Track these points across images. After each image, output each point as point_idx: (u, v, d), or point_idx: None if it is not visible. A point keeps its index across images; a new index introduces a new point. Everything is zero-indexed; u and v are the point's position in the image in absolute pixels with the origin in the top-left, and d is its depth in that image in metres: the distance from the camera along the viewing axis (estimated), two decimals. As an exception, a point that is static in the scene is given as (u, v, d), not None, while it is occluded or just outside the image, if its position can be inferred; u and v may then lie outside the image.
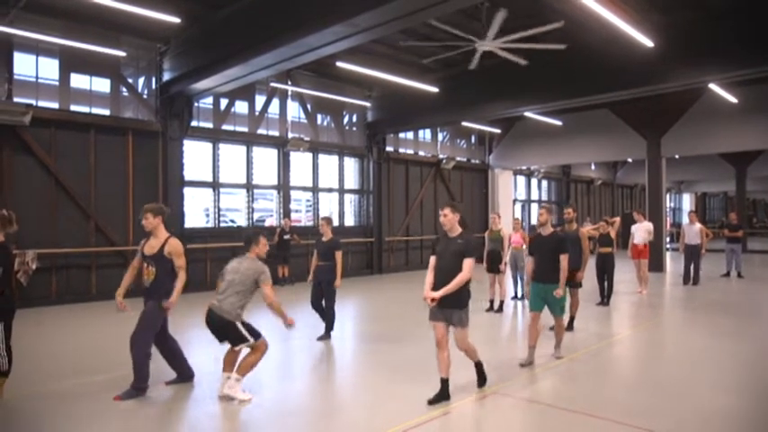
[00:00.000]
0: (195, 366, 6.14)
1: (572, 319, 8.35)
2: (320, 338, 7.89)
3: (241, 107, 14.22)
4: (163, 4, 9.01)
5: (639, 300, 11.47)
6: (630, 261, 12.67)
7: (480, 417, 4.83)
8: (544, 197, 25.85)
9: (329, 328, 7.98)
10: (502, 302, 10.08)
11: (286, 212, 15.01)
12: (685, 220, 35.04)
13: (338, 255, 7.94)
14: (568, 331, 8.16)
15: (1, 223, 5.12)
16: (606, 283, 10.72)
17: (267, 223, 15.63)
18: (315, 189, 16.01)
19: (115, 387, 5.49)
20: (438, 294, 4.84)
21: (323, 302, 7.94)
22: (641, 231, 12.29)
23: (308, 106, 15.70)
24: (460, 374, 6.07)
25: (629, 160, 26.19)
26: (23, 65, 10.78)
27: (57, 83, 11.19)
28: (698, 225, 13.58)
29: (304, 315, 8.39)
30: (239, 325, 5.17)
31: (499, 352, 7.54)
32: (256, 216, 15.02)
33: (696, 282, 13.33)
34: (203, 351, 7.74)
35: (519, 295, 11.18)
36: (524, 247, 11.38)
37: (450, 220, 5.05)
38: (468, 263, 4.87)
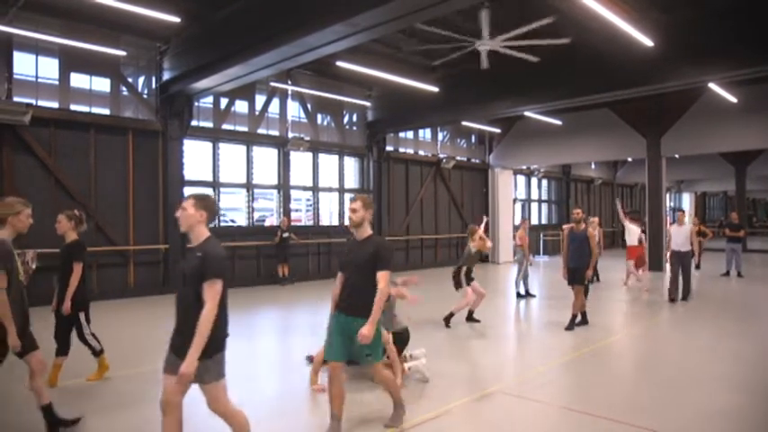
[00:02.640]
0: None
1: (574, 316, 8.43)
2: None
3: (241, 107, 14.21)
4: (163, 3, 8.99)
5: (639, 299, 11.47)
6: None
7: (481, 416, 4.83)
8: (544, 197, 25.84)
9: None
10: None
11: (286, 212, 15.01)
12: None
13: None
14: (568, 330, 8.19)
15: (75, 223, 5.58)
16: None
17: (267, 223, 15.63)
18: (315, 189, 16.00)
19: (114, 387, 5.50)
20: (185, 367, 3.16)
21: None
22: (633, 234, 12.98)
23: (309, 106, 15.69)
24: (461, 373, 6.07)
25: (629, 160, 26.19)
26: (23, 64, 10.76)
27: (56, 82, 11.18)
28: (687, 227, 11.11)
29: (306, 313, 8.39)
30: None
31: (499, 351, 7.55)
32: (256, 216, 15.02)
33: (686, 296, 10.98)
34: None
35: (522, 292, 11.55)
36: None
37: (187, 217, 3.42)
38: (211, 291, 3.24)
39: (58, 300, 5.50)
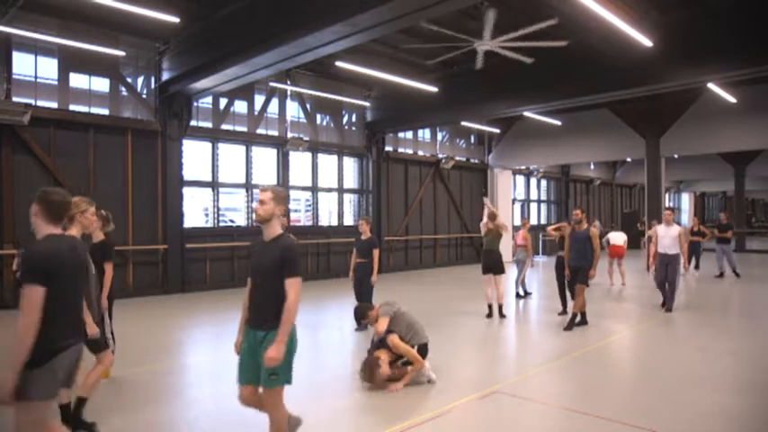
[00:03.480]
0: (194, 367, 6.14)
1: (575, 315, 8.48)
2: (359, 329, 8.20)
3: (240, 107, 14.21)
4: (162, 3, 9.00)
5: (636, 300, 11.48)
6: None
7: (480, 416, 4.83)
8: (543, 197, 25.86)
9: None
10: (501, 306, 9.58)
11: (285, 212, 14.98)
12: (685, 221, 35.24)
13: (375, 252, 8.35)
14: (567, 330, 8.19)
15: (102, 222, 5.58)
16: (570, 291, 9.33)
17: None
18: (314, 189, 16.00)
19: (113, 385, 5.49)
20: None
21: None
22: (618, 238, 13.95)
23: (308, 106, 15.69)
24: (461, 373, 6.07)
25: (629, 160, 26.23)
26: (22, 64, 10.76)
27: (56, 82, 11.17)
28: (676, 227, 9.84)
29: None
30: None
31: (499, 351, 7.55)
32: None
33: (670, 306, 9.70)
34: (201, 351, 7.76)
35: (521, 293, 11.61)
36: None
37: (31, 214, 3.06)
38: (24, 300, 2.78)
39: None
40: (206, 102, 13.44)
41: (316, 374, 6.13)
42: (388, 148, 17.73)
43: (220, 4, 10.05)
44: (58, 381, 2.91)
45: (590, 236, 8.44)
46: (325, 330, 8.80)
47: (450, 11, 8.38)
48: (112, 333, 5.84)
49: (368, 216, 9.26)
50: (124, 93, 12.21)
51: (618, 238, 13.95)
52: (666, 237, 9.76)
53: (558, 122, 18.53)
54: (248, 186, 14.42)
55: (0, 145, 10.36)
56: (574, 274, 8.51)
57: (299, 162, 15.59)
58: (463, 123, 18.00)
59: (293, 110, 15.41)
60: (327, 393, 5.44)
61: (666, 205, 27.42)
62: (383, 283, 15.16)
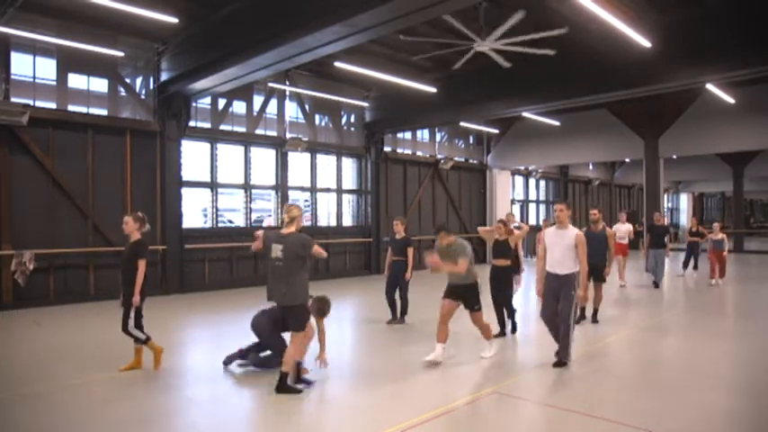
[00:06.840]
0: (192, 368, 6.11)
1: (595, 311, 8.87)
2: (391, 322, 8.85)
3: (239, 107, 14.20)
4: (160, 3, 8.98)
5: (632, 300, 11.48)
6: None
7: (480, 416, 4.83)
8: (542, 197, 25.87)
9: (404, 313, 8.96)
10: None
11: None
12: (684, 222, 35.33)
13: (410, 251, 8.88)
14: (595, 323, 8.45)
15: (140, 224, 5.96)
16: (504, 308, 7.98)
17: (265, 223, 15.62)
18: (313, 189, 16.00)
19: (116, 385, 5.48)
20: None
21: (396, 293, 8.91)
22: (623, 231, 13.47)
23: (306, 106, 15.69)
24: (460, 373, 6.07)
25: (627, 160, 26.25)
26: (20, 65, 10.74)
27: (54, 83, 11.15)
28: (572, 232, 6.21)
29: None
30: None
31: (498, 351, 7.55)
32: (254, 216, 15.00)
33: (563, 359, 6.13)
34: (200, 351, 7.75)
35: None
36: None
37: None
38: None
39: (124, 294, 5.89)
40: (205, 102, 13.42)
41: (314, 373, 6.13)
42: (387, 149, 17.72)
43: (220, 4, 10.03)
44: None
45: (606, 236, 8.93)
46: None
47: (449, 11, 8.38)
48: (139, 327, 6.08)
49: (402, 217, 9.83)
50: (123, 93, 12.19)
51: (625, 232, 13.57)
52: (557, 246, 6.16)
53: (557, 123, 18.54)
54: (247, 187, 14.41)
55: (-2, 145, 10.35)
56: (591, 271, 8.59)
57: (298, 162, 15.58)
58: (462, 124, 18.00)
59: (292, 110, 15.41)
60: (327, 392, 5.44)
61: (666, 206, 27.27)
62: (381, 283, 15.14)
